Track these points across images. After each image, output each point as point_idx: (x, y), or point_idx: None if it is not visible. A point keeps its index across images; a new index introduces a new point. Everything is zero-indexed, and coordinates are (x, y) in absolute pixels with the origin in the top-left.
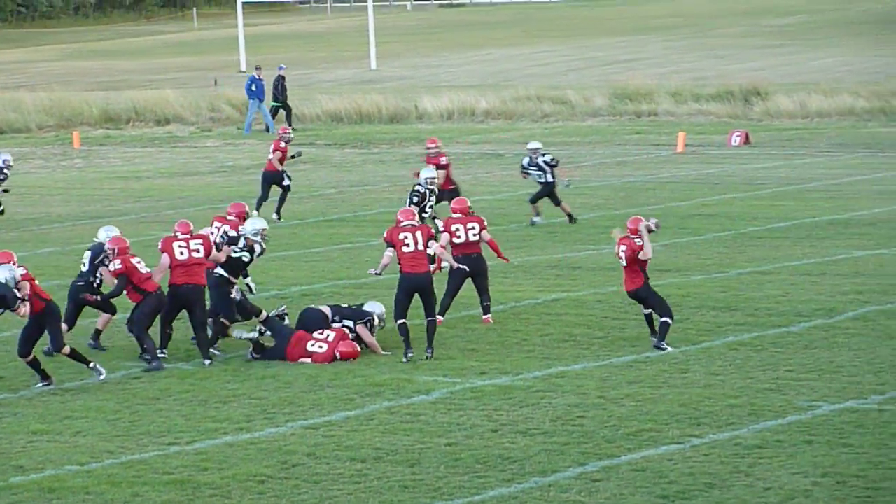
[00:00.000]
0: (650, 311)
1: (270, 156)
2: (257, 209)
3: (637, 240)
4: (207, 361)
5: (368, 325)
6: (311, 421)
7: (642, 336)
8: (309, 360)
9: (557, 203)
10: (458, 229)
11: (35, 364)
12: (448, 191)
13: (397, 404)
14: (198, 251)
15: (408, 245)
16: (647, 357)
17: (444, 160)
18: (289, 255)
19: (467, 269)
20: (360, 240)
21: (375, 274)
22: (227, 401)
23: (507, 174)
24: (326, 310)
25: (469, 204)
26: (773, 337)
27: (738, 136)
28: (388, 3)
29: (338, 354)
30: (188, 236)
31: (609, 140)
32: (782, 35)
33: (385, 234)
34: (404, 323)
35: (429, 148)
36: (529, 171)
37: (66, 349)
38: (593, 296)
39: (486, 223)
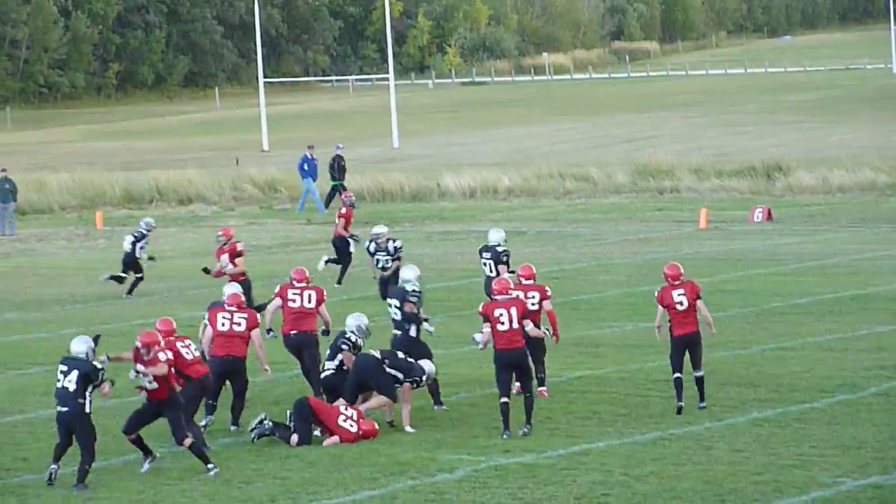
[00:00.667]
0: (679, 375)
1: (336, 221)
2: (339, 282)
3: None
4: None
5: (414, 384)
6: (336, 500)
7: (666, 412)
8: (337, 438)
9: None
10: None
11: (137, 442)
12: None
13: (421, 483)
14: (240, 324)
15: (503, 323)
16: (671, 434)
17: (240, 247)
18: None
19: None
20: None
21: (480, 347)
22: (250, 480)
23: (531, 251)
24: (377, 353)
25: (533, 271)
26: (796, 413)
27: (760, 211)
28: (410, 82)
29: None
30: (234, 309)
31: (631, 217)
32: (802, 111)
33: (481, 308)
34: (506, 403)
35: (219, 237)
36: (377, 258)
37: (188, 441)
38: (616, 373)
39: (548, 292)
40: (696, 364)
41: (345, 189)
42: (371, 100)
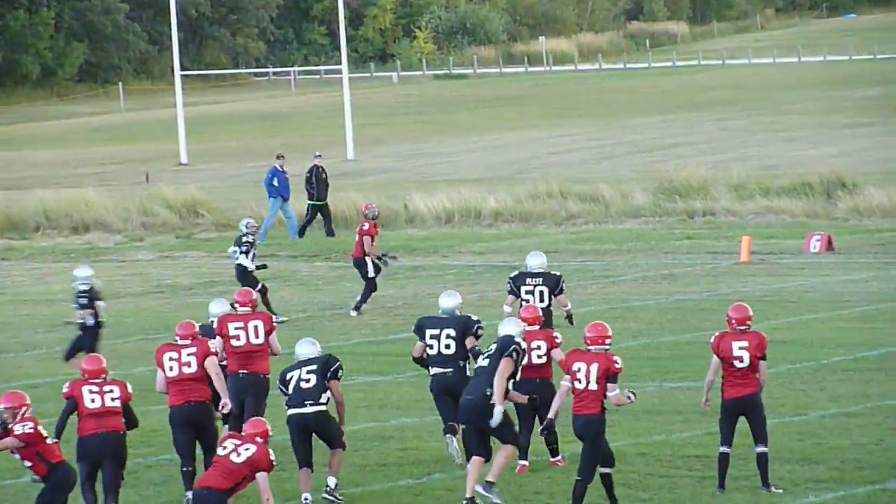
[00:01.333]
0: (727, 450)
1: (357, 239)
2: (357, 310)
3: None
4: None
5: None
6: None
7: (698, 497)
8: None
9: None
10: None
11: None
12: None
13: None
14: (189, 363)
15: (579, 381)
16: None
17: None
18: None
19: (535, 397)
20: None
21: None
22: None
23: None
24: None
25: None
26: (863, 496)
27: (817, 240)
28: (368, 75)
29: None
30: (186, 343)
31: (653, 248)
32: (868, 110)
33: (563, 359)
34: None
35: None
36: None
37: None
38: (634, 447)
39: (558, 339)
40: (759, 436)
41: (328, 215)
42: (319, 98)
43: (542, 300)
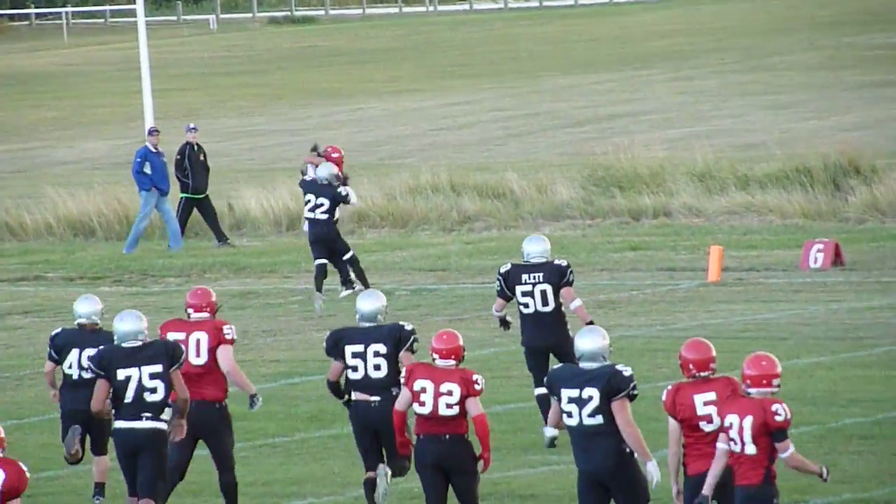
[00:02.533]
0: None
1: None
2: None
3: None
4: None
5: None
6: None
7: None
8: None
9: None
10: (423, 389)
11: None
12: None
13: None
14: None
15: (733, 441)
16: None
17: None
18: None
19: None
20: None
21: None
22: None
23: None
24: None
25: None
26: None
27: (820, 250)
28: (174, 19)
29: None
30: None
31: (584, 262)
32: (887, 62)
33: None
34: None
35: None
36: None
37: None
38: None
39: (477, 384)
40: None
41: (210, 211)
42: (103, 51)
43: (545, 303)
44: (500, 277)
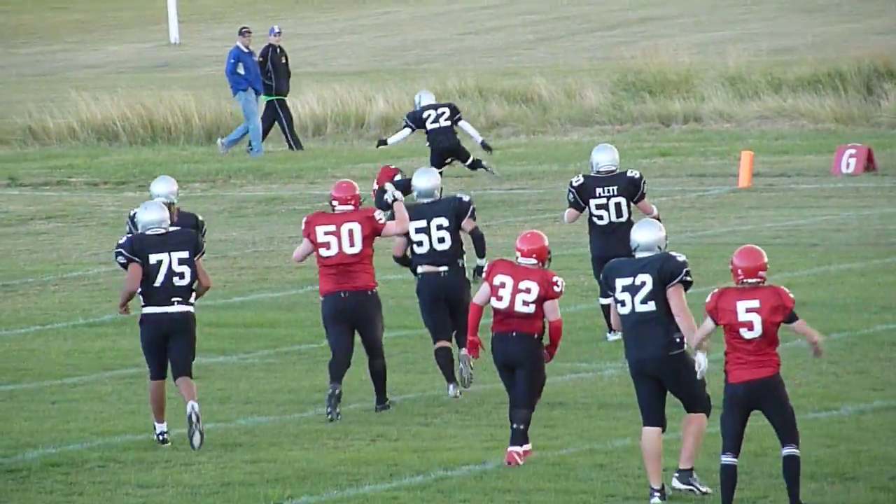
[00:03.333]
0: (732, 460)
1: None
2: None
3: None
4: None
5: None
6: None
7: None
8: None
9: None
10: (502, 284)
11: None
12: None
13: None
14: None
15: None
16: None
17: None
18: None
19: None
20: None
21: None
22: None
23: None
24: None
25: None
26: None
27: (852, 155)
28: None
29: None
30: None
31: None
32: None
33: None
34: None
35: None
36: None
37: None
38: (588, 456)
39: (557, 286)
40: (787, 435)
41: (286, 116)
42: None
43: (619, 214)
44: (573, 190)
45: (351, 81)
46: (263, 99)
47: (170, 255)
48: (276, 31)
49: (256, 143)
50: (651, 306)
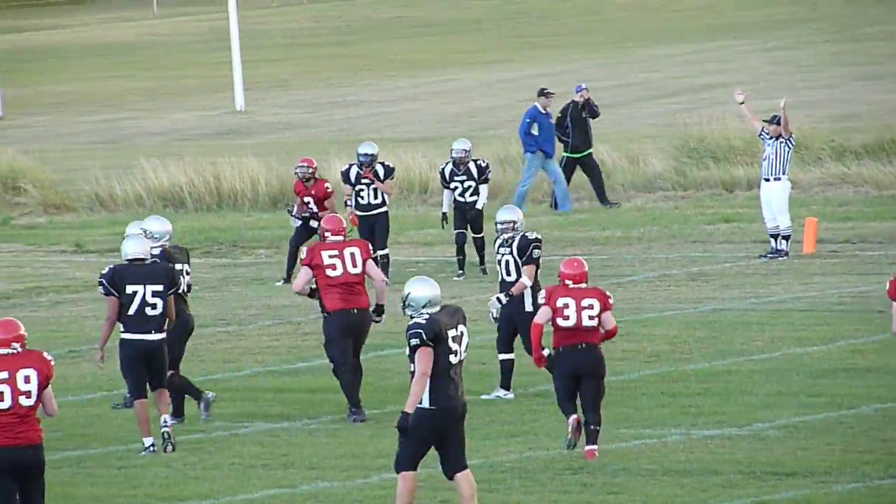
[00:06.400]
0: None
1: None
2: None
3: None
4: None
5: None
6: None
7: None
8: None
9: None
10: (566, 305)
11: None
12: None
13: None
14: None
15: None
16: None
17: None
18: None
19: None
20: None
21: None
22: None
23: (489, 296)
24: None
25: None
26: None
27: None
28: None
29: None
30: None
31: (676, 235)
32: None
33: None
34: None
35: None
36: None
37: None
38: None
39: (610, 299)
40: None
41: (595, 171)
42: (192, 23)
43: (508, 273)
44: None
45: (415, 148)
46: (563, 156)
47: (145, 286)
48: (582, 87)
49: (558, 192)
50: None
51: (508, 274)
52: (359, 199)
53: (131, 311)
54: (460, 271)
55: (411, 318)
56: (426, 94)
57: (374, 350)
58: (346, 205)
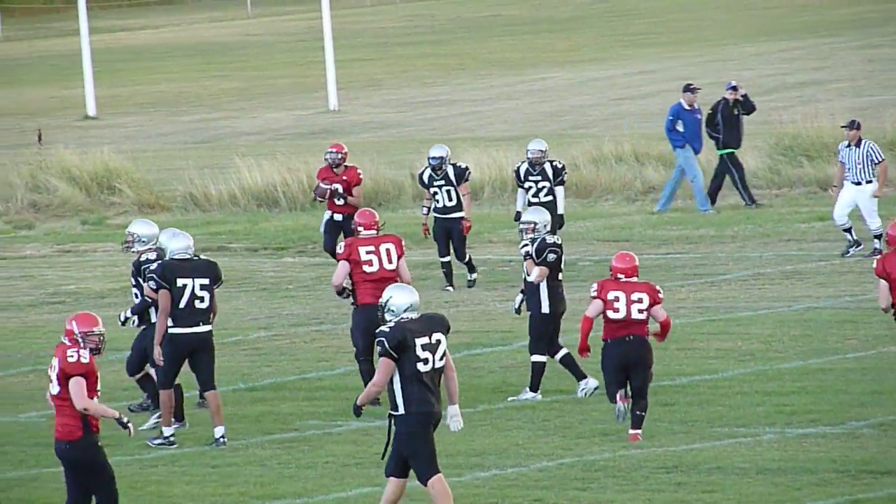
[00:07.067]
0: None
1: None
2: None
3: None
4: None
5: None
6: None
7: None
8: None
9: None
10: (616, 298)
11: None
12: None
13: None
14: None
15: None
16: None
17: (360, 173)
18: None
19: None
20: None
21: None
22: None
23: (581, 296)
24: None
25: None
26: None
27: None
28: None
29: None
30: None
31: (769, 233)
32: None
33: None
34: None
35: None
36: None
37: None
38: None
39: (660, 293)
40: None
41: (738, 170)
42: (286, 22)
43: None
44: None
45: (507, 146)
46: (716, 152)
47: (193, 280)
48: (732, 85)
49: (697, 193)
50: None
51: (529, 273)
52: (435, 201)
53: (182, 305)
54: None
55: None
56: (519, 92)
57: (466, 349)
58: (423, 212)
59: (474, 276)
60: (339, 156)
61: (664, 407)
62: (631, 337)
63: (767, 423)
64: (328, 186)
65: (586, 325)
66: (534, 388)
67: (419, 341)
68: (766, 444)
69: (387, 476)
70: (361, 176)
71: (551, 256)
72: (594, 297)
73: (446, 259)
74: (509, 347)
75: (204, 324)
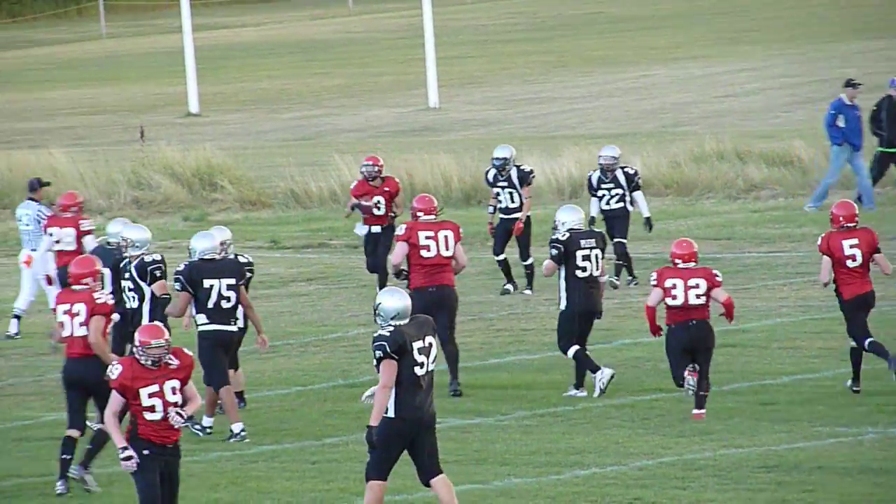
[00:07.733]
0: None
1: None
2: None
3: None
4: None
5: None
6: None
7: None
8: None
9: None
10: (674, 285)
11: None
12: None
13: None
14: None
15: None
16: None
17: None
18: None
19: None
20: None
21: None
22: None
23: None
24: None
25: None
26: None
27: None
28: None
29: None
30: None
31: (876, 231)
32: None
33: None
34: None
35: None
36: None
37: None
38: None
39: (718, 277)
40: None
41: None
42: (386, 19)
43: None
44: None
45: (607, 144)
46: (876, 150)
47: (220, 280)
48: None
49: (819, 194)
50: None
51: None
52: (499, 201)
53: (210, 304)
54: (629, 277)
55: (381, 327)
56: (619, 90)
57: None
58: (489, 212)
59: (528, 291)
60: (376, 168)
61: (765, 406)
62: (693, 321)
63: (870, 423)
64: (370, 203)
65: (649, 313)
66: (578, 385)
67: (415, 345)
68: (867, 443)
69: (368, 480)
70: (399, 184)
71: (553, 252)
72: (654, 286)
73: (501, 257)
74: (608, 345)
75: (234, 322)
